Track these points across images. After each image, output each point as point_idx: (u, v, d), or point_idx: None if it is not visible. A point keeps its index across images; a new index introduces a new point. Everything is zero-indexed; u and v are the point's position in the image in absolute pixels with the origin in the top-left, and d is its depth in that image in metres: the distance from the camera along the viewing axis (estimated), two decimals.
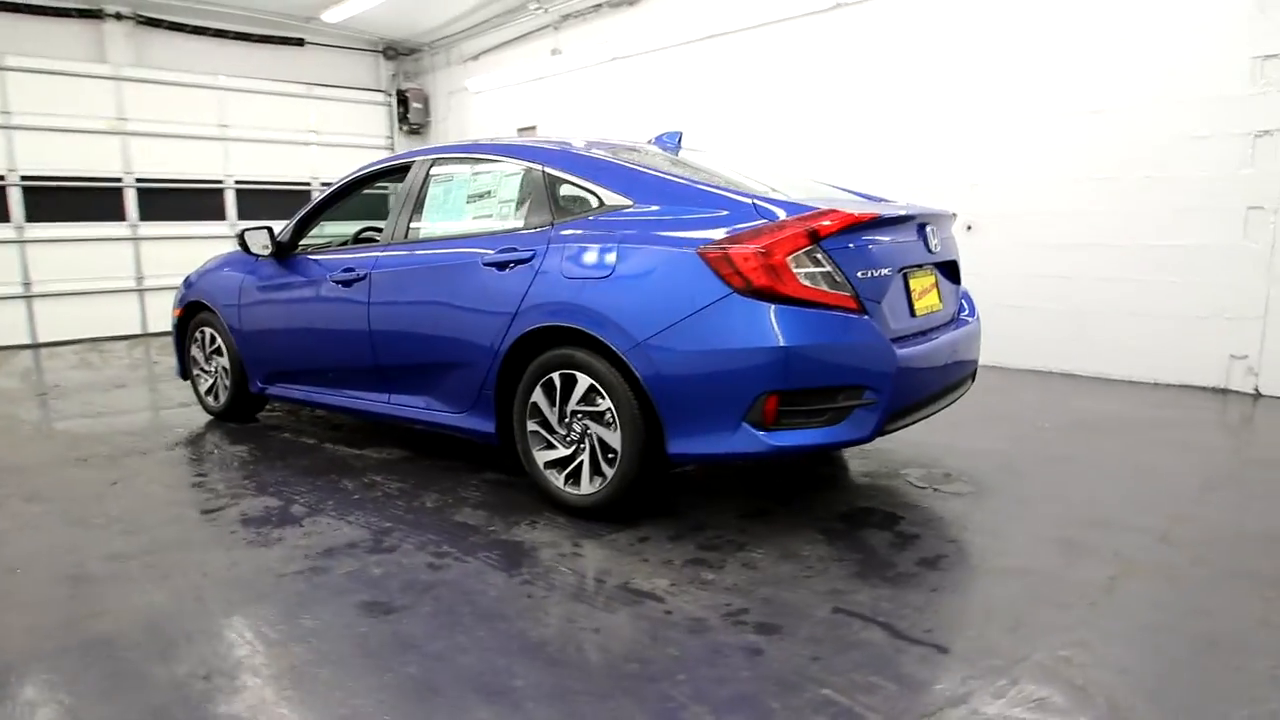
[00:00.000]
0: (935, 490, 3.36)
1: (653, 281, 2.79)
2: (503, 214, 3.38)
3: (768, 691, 1.93)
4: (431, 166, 3.71)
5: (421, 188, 3.70)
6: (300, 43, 9.99)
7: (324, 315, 3.95)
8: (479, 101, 10.32)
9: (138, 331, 9.01)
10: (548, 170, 3.25)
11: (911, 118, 6.27)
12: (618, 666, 2.05)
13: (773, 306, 2.62)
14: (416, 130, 11.13)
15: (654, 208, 2.95)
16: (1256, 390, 4.91)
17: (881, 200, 3.51)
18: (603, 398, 2.93)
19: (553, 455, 3.13)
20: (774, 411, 2.65)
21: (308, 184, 10.22)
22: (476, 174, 3.56)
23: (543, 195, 3.23)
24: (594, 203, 3.09)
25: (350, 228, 4.95)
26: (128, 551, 2.85)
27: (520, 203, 3.32)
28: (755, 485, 3.48)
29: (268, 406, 5.03)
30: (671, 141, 3.83)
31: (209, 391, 4.86)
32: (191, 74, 9.14)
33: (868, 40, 6.49)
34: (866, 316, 2.73)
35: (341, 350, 3.89)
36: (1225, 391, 4.99)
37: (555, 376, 3.05)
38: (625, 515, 3.03)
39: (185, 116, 9.12)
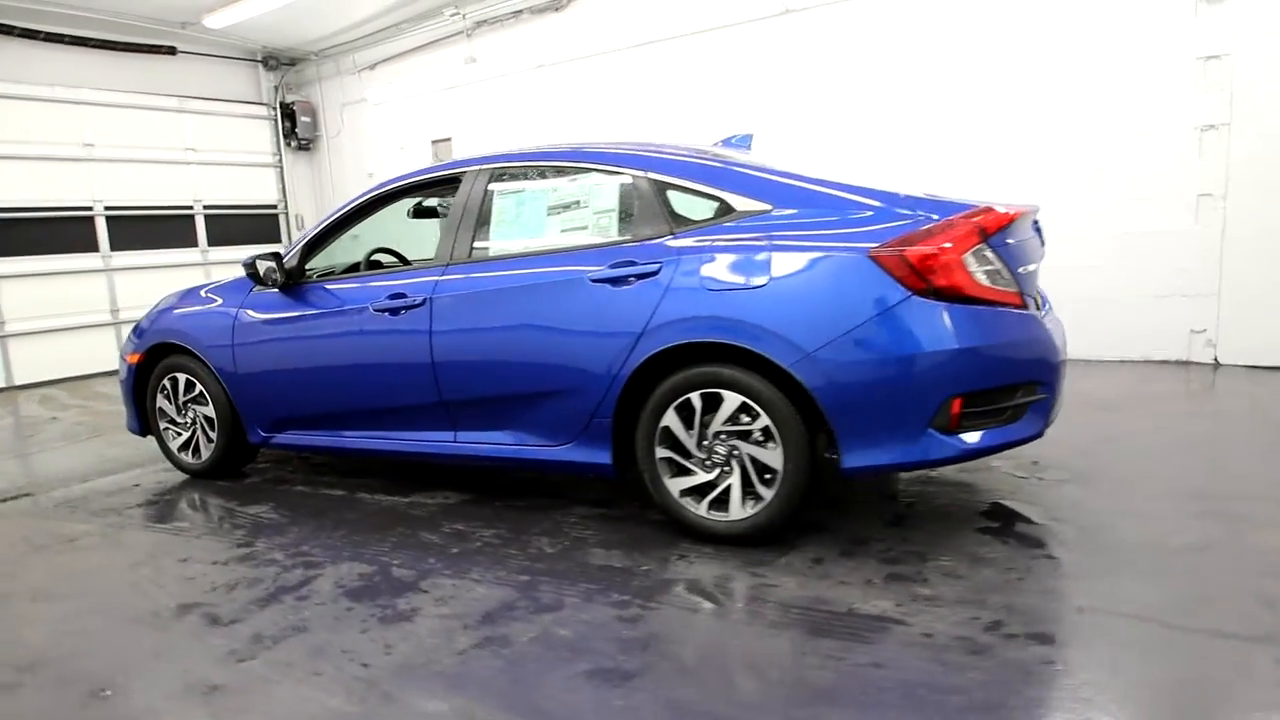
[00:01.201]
0: (1039, 479, 3.42)
1: (819, 288, 2.65)
2: (600, 226, 3.11)
3: (1117, 700, 1.85)
4: (492, 178, 3.36)
5: (484, 201, 3.34)
6: (172, 51, 8.95)
7: (361, 350, 3.49)
8: (380, 114, 9.67)
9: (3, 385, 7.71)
10: (655, 177, 3.01)
11: (867, 120, 6.45)
12: (944, 701, 1.89)
13: (955, 307, 2.56)
14: (305, 146, 10.28)
15: (794, 211, 2.80)
16: (1215, 360, 5.42)
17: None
18: (753, 416, 2.75)
19: (690, 482, 2.90)
20: (959, 414, 2.58)
21: (189, 207, 9.18)
22: (556, 184, 3.26)
23: (652, 204, 2.99)
24: (721, 209, 2.90)
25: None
26: (238, 648, 2.35)
27: (623, 213, 3.06)
28: (847, 492, 3.41)
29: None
30: (744, 144, 3.69)
31: (185, 447, 4.19)
32: (49, 87, 7.94)
33: (812, 44, 6.62)
34: (1032, 311, 2.72)
35: (388, 388, 3.45)
36: (1187, 364, 5.47)
37: (694, 397, 2.83)
38: (776, 538, 2.85)
39: (42, 135, 7.91)
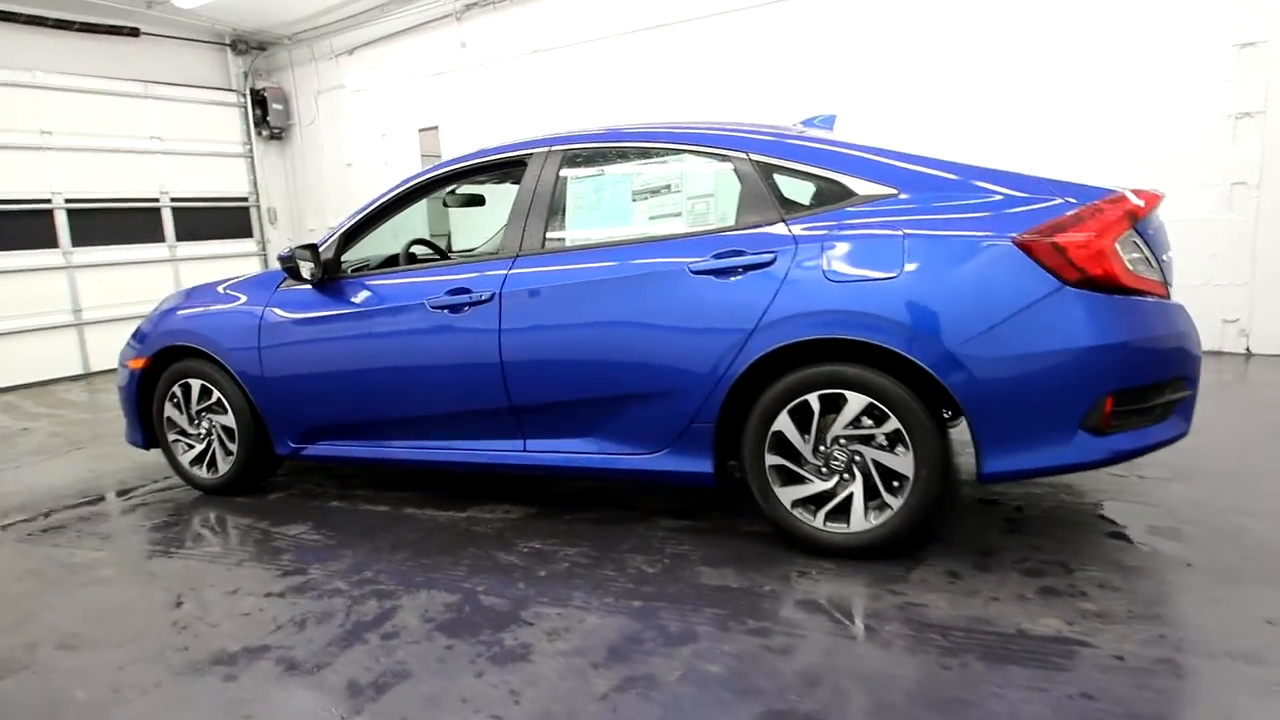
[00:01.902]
0: (1140, 478, 3.27)
1: (962, 279, 2.42)
2: (697, 212, 2.84)
3: None
4: (564, 161, 3.06)
5: (556, 187, 3.04)
6: (135, 33, 8.35)
7: (414, 351, 3.16)
8: (360, 100, 9.20)
9: None
10: (760, 158, 2.75)
11: (889, 107, 6.28)
12: None
13: (1109, 298, 2.36)
14: (277, 135, 9.74)
15: (922, 196, 2.57)
16: (1248, 350, 5.39)
17: None
18: (878, 418, 2.52)
19: (806, 491, 2.66)
20: (1110, 413, 2.39)
21: (155, 200, 8.59)
22: (640, 167, 2.97)
23: (757, 188, 2.73)
24: (839, 194, 2.65)
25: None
26: (337, 703, 2.03)
27: (723, 198, 2.80)
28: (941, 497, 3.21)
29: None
30: (826, 126, 3.45)
31: (198, 461, 3.79)
32: (2, 70, 7.31)
33: (815, 29, 6.43)
34: (1178, 302, 2.55)
35: (446, 393, 3.14)
36: (1220, 354, 5.43)
37: (812, 399, 2.59)
38: (897, 551, 2.63)
39: None
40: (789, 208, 2.69)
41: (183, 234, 8.82)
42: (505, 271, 3.01)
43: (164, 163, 8.65)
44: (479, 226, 4.53)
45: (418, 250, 3.90)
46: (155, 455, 4.12)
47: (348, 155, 9.48)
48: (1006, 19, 5.82)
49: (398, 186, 3.40)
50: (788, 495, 2.69)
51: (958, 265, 2.43)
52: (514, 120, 8.07)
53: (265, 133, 9.62)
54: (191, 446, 3.81)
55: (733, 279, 2.65)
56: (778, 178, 2.74)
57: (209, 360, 3.64)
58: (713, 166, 2.84)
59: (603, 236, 2.97)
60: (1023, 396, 2.39)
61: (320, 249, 3.35)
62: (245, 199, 9.61)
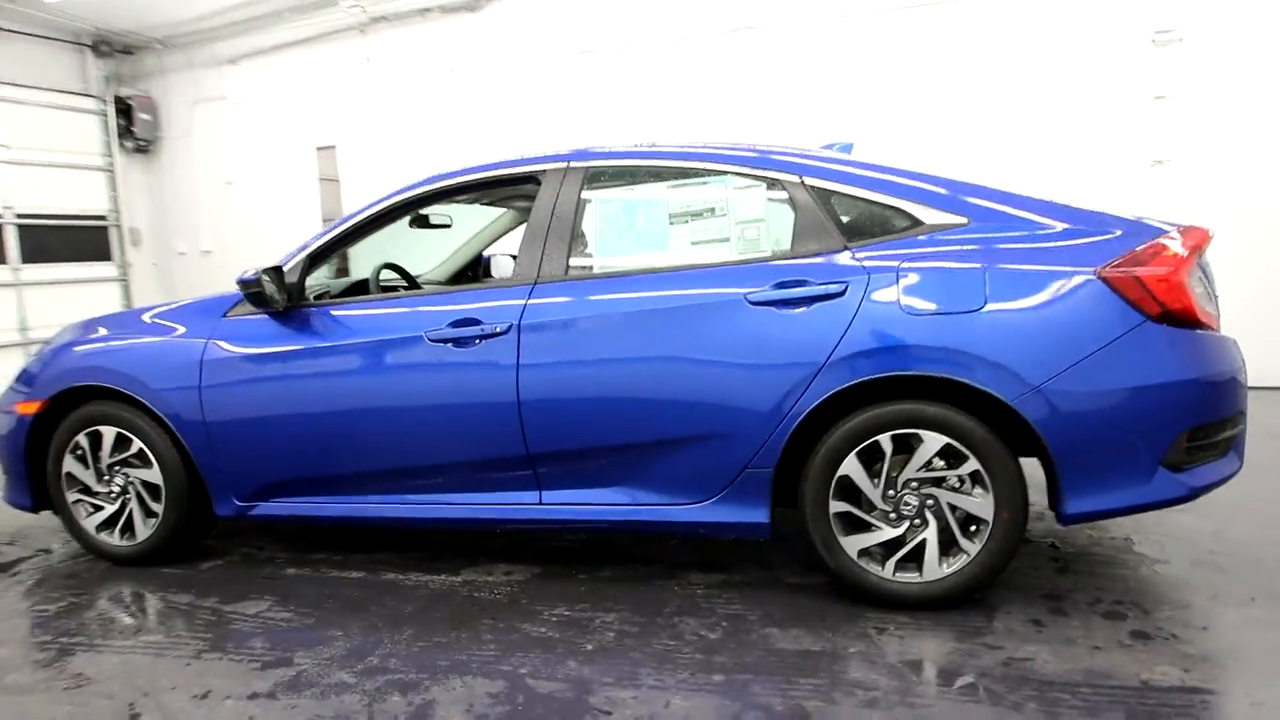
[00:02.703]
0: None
1: (1045, 313, 2.32)
2: (747, 239, 2.61)
3: None
4: (586, 179, 2.76)
5: (578, 207, 2.73)
6: None
7: (409, 390, 2.74)
8: (245, 114, 8.41)
9: None
10: (816, 183, 2.57)
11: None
12: None
13: (1186, 332, 2.33)
14: (144, 148, 8.76)
15: (991, 225, 2.47)
16: None
17: None
18: (953, 460, 2.38)
19: (874, 539, 2.46)
20: (1183, 449, 2.35)
21: None
22: (676, 188, 2.72)
23: (814, 214, 2.54)
24: (905, 222, 2.50)
25: None
26: None
27: (776, 224, 2.59)
28: None
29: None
30: (845, 153, 3.32)
31: (110, 524, 3.14)
32: None
33: (751, 62, 6.46)
34: (1230, 336, 2.56)
35: (449, 438, 2.73)
36: None
37: (884, 439, 2.41)
38: (967, 600, 2.48)
39: None
40: (851, 235, 2.52)
41: (30, 255, 7.70)
42: (523, 301, 2.65)
43: (8, 173, 7.53)
44: (428, 252, 4.10)
45: (385, 276, 3.45)
46: (42, 520, 3.40)
47: (228, 173, 8.63)
48: (964, 62, 6.04)
49: (379, 202, 2.97)
50: (853, 544, 2.47)
51: (1041, 299, 2.33)
52: (426, 145, 7.61)
53: (130, 145, 8.62)
54: (99, 508, 3.15)
55: (799, 311, 2.44)
56: (837, 204, 2.56)
57: (128, 403, 3.03)
58: (761, 190, 2.63)
59: (637, 263, 2.69)
60: (1107, 434, 2.31)
61: (284, 270, 2.86)
62: (104, 217, 8.53)
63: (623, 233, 2.73)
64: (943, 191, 2.52)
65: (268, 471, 2.92)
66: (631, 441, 2.60)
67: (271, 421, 2.86)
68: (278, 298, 2.80)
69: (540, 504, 2.73)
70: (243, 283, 2.80)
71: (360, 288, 3.39)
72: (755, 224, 2.61)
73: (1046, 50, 5.76)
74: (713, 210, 2.66)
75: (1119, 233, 2.42)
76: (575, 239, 2.71)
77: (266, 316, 2.91)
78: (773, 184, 2.61)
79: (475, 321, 2.66)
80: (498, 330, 2.63)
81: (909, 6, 6.04)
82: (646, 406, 2.56)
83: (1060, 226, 2.47)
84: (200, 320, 3.02)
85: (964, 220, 2.47)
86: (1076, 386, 2.29)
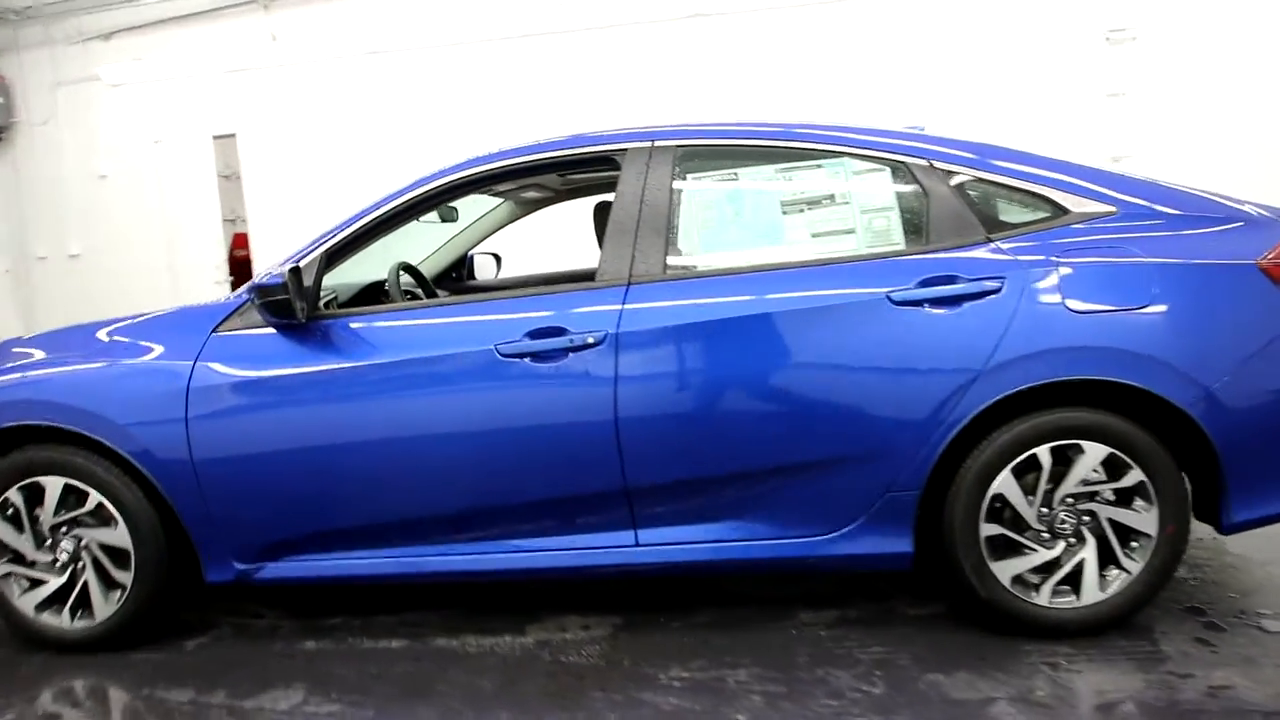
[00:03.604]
0: None
1: (1212, 308, 2.15)
2: (875, 230, 2.29)
3: None
4: (677, 160, 2.36)
5: (673, 194, 2.33)
6: None
7: (475, 414, 2.27)
8: (122, 98, 7.34)
9: None
10: (946, 167, 2.29)
11: None
12: None
13: None
14: None
15: (1137, 215, 2.27)
16: None
17: None
18: (1113, 471, 2.16)
19: (1030, 563, 2.21)
20: None
21: None
22: (786, 171, 2.36)
23: (950, 202, 2.26)
24: (1050, 211, 2.26)
25: None
26: None
27: (907, 212, 2.29)
28: None
29: None
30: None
31: (54, 602, 2.46)
32: None
33: (700, 49, 6.21)
34: None
35: (526, 471, 2.28)
36: None
37: (1043, 452, 2.16)
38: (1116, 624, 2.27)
39: None
40: (991, 226, 2.26)
41: None
42: (618, 306, 2.23)
43: None
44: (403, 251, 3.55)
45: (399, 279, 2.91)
46: None
47: (101, 165, 7.49)
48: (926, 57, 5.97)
49: (412, 188, 2.46)
50: (1006, 570, 2.21)
51: (1205, 292, 2.16)
52: (345, 135, 6.86)
53: None
54: (39, 581, 2.46)
55: (950, 311, 2.15)
56: (970, 190, 2.30)
57: (81, 445, 2.37)
58: (886, 174, 2.32)
59: (748, 259, 2.32)
60: (1274, 434, 2.16)
61: (301, 271, 2.30)
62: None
63: (728, 224, 2.35)
64: (1087, 178, 2.31)
65: (287, 522, 2.35)
66: (752, 468, 2.23)
67: (293, 459, 2.29)
68: (299, 307, 2.24)
69: (636, 545, 2.31)
70: (263, 289, 2.21)
71: (370, 293, 2.86)
72: (884, 213, 2.30)
73: (1001, 48, 5.80)
74: (832, 198, 2.33)
75: (1244, 222, 2.28)
76: (672, 231, 2.31)
77: (276, 331, 2.33)
78: (898, 168, 2.31)
79: (560, 331, 2.22)
80: (590, 341, 2.20)
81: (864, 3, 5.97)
82: (772, 426, 2.21)
83: (1199, 215, 2.30)
84: (183, 337, 2.39)
85: (1112, 209, 2.26)
86: (1245, 385, 2.13)
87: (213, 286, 7.05)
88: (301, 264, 2.33)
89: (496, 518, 2.33)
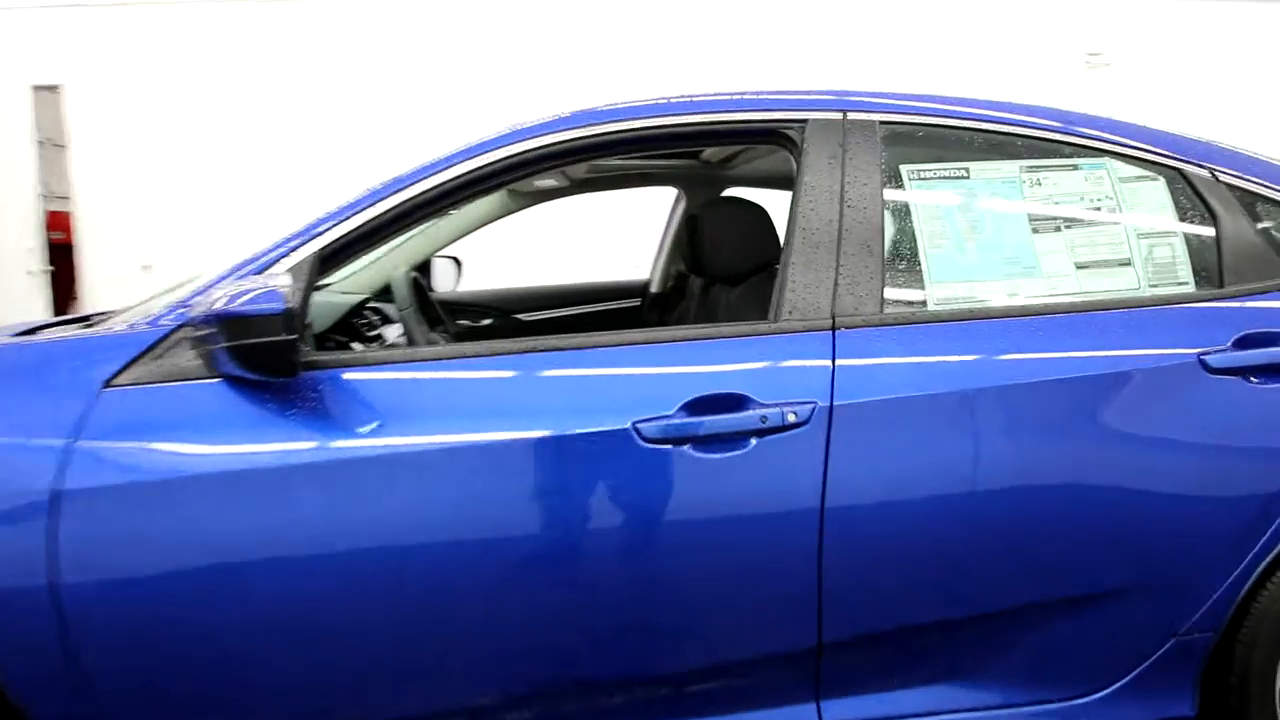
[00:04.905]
0: None
1: None
2: (1158, 262, 1.63)
3: None
4: (887, 142, 1.61)
5: (884, 199, 1.56)
6: None
7: (598, 532, 1.41)
8: None
9: None
10: (1233, 181, 1.68)
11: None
12: None
13: None
14: None
15: None
16: None
17: None
18: None
19: None
20: None
21: None
22: (1034, 172, 1.65)
23: (1245, 227, 1.65)
24: None
25: None
26: None
27: (1191, 239, 1.65)
28: None
29: None
30: None
31: None
32: None
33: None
34: None
35: (673, 616, 1.44)
36: None
37: None
38: None
39: None
40: None
41: None
42: (826, 362, 1.44)
43: None
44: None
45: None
46: None
47: None
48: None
49: (465, 155, 1.54)
50: None
51: None
52: (208, 88, 5.50)
53: None
54: None
55: (1276, 381, 1.54)
56: (1263, 212, 1.70)
57: None
58: (1162, 185, 1.68)
59: (994, 295, 1.59)
60: None
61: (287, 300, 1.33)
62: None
63: (963, 242, 1.61)
64: None
65: (235, 700, 1.36)
66: (1000, 606, 1.51)
67: (288, 630, 1.32)
68: (299, 350, 1.28)
69: None
70: (243, 319, 1.23)
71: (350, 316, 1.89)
72: (1165, 240, 1.65)
73: (979, 70, 5.49)
74: (1099, 213, 1.65)
75: None
76: (890, 251, 1.54)
77: (229, 386, 1.35)
78: (1175, 179, 1.68)
79: (740, 402, 1.40)
80: (790, 420, 1.39)
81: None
82: (1043, 547, 1.50)
83: None
84: (40, 398, 1.35)
85: None
86: None
87: (25, 279, 5.47)
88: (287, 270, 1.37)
89: (613, 690, 1.46)
